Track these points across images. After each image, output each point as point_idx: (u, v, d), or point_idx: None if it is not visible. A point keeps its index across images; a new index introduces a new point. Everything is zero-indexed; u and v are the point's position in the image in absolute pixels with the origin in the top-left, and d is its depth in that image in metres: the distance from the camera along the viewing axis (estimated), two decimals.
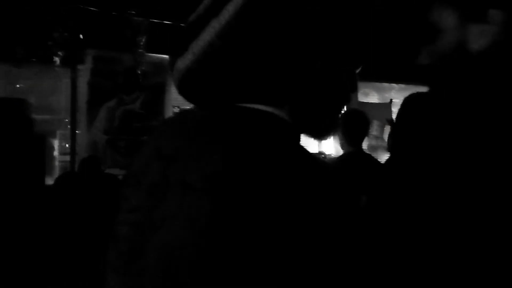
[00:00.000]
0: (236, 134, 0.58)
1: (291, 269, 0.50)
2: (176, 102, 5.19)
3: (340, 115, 0.69)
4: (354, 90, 0.69)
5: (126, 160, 4.46)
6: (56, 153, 4.66)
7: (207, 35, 0.61)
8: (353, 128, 2.42)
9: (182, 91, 0.69)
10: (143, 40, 4.21)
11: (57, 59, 3.90)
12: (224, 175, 0.53)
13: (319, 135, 0.69)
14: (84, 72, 4.63)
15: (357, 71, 0.68)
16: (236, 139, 0.57)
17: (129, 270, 0.60)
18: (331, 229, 0.53)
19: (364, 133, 2.48)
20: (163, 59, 4.73)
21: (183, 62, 0.64)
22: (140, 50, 4.21)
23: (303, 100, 0.63)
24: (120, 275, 0.62)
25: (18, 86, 4.82)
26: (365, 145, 3.43)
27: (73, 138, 4.76)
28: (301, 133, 0.67)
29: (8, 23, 4.00)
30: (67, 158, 4.78)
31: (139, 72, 4.49)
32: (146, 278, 0.56)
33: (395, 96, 5.92)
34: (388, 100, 5.83)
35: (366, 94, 5.92)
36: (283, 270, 0.49)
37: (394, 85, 6.08)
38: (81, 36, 4.10)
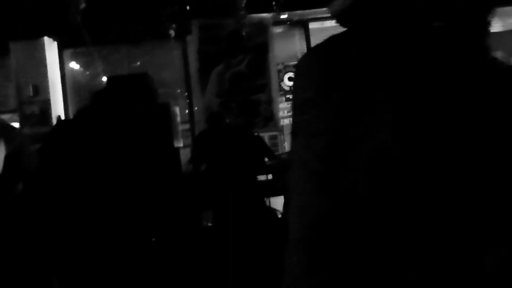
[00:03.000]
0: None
1: None
2: (279, 59, 5.31)
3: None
4: None
5: (239, 119, 4.72)
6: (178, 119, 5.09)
7: None
8: None
9: (340, 23, 0.74)
10: (244, 1, 4.32)
11: (171, 32, 4.20)
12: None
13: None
14: (192, 42, 4.95)
15: None
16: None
17: (324, 187, 0.60)
18: None
19: None
20: (263, 18, 4.85)
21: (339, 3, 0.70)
22: (242, 12, 4.35)
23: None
24: (311, 194, 0.62)
25: (137, 64, 5.33)
26: None
27: (190, 106, 5.17)
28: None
29: (123, 5, 4.39)
30: (186, 126, 5.22)
31: (243, 34, 4.66)
32: (354, 187, 0.57)
33: None
34: None
35: None
36: None
37: None
38: (187, 7, 4.36)
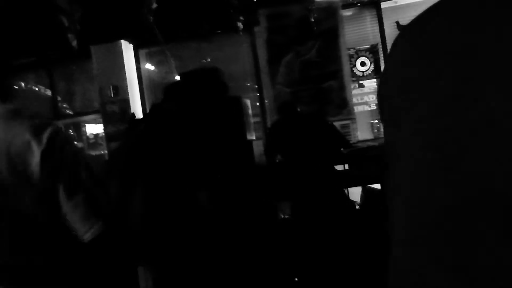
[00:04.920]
0: None
1: None
2: (350, 44, 5.10)
3: None
4: None
5: (311, 108, 4.62)
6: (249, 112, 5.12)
7: None
8: None
9: None
10: None
11: (240, 25, 4.20)
12: None
13: None
14: (260, 33, 4.91)
15: None
16: None
17: (447, 176, 0.52)
18: None
19: None
20: (332, 1, 4.67)
21: None
22: None
23: None
24: (435, 185, 0.53)
25: (207, 59, 5.42)
26: None
27: (260, 98, 5.16)
28: None
29: (191, 1, 4.47)
30: (257, 119, 5.22)
31: (311, 20, 4.53)
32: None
33: None
34: None
35: None
36: None
37: None
38: None
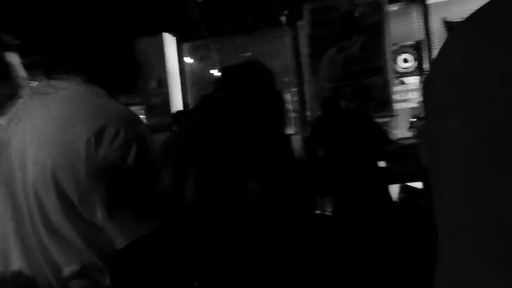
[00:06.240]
0: None
1: None
2: (395, 39, 5.02)
3: None
4: None
5: (353, 104, 4.58)
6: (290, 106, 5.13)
7: None
8: None
9: None
10: None
11: (283, 19, 4.21)
12: None
13: None
14: (304, 27, 4.90)
15: None
16: None
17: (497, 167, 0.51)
18: None
19: None
20: None
21: None
22: None
23: None
24: (475, 186, 0.53)
25: (249, 54, 5.46)
26: None
27: (301, 93, 5.15)
28: None
29: None
30: (297, 113, 5.23)
31: (356, 15, 4.48)
32: None
33: None
34: None
35: None
36: None
37: None
38: None
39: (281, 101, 4.44)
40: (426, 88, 0.66)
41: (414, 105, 5.18)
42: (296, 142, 4.55)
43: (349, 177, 3.22)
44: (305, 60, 5.00)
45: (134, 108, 6.18)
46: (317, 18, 4.79)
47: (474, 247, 0.54)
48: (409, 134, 4.99)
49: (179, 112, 4.65)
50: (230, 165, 2.00)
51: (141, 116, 6.22)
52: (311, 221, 3.40)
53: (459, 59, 0.60)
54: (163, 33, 5.38)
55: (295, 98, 5.29)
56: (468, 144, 0.56)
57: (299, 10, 4.69)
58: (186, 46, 5.77)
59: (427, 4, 5.05)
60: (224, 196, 1.98)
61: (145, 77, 5.48)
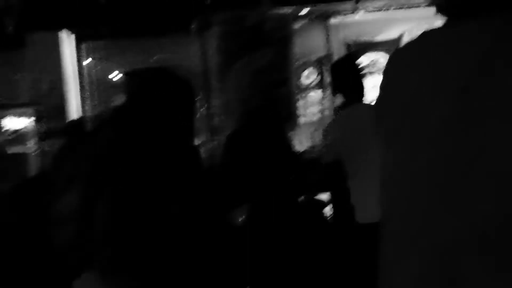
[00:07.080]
0: None
1: None
2: (300, 55, 5.21)
3: None
4: None
5: (260, 116, 4.63)
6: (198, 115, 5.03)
7: None
8: None
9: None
10: None
11: (193, 27, 4.13)
12: None
13: None
14: (213, 37, 4.85)
15: None
16: None
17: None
18: None
19: None
20: (285, 12, 4.75)
21: None
22: (266, 6, 4.26)
23: None
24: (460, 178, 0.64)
25: (154, 58, 5.25)
26: None
27: (208, 103, 5.09)
28: None
29: None
30: (204, 122, 5.16)
31: (265, 28, 4.57)
32: None
33: None
34: None
35: None
36: None
37: None
38: (209, 1, 4.28)
39: (193, 114, 4.32)
40: (382, 103, 0.78)
41: (316, 118, 5.43)
42: (204, 151, 4.47)
43: (262, 189, 3.24)
44: (214, 70, 4.96)
45: (16, 110, 5.52)
46: (226, 29, 4.78)
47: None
48: (310, 147, 5.20)
49: (72, 122, 4.25)
50: (152, 186, 1.85)
51: (29, 120, 5.61)
52: (223, 229, 3.34)
53: (412, 83, 0.71)
54: (61, 30, 4.96)
55: (202, 108, 5.21)
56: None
57: (209, 19, 4.64)
58: (85, 45, 5.37)
59: (328, 24, 5.37)
60: (142, 214, 1.82)
61: (36, 77, 4.98)
